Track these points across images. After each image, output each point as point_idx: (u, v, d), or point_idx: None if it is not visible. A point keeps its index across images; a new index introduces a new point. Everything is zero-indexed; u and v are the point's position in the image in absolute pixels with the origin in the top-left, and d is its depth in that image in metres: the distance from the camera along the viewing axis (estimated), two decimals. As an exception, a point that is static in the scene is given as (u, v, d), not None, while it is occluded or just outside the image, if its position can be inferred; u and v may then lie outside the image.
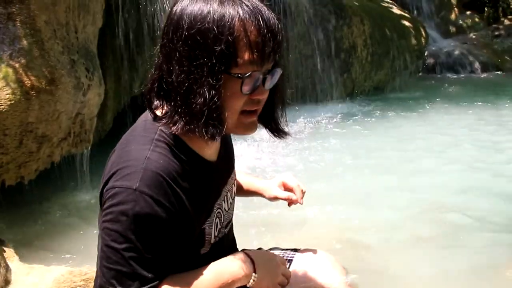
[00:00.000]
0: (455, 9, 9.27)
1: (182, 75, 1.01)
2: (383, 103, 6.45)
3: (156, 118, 1.09)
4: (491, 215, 3.09)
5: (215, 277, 1.09)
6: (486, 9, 9.35)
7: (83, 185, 3.51)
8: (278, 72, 1.08)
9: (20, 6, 2.81)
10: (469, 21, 9.21)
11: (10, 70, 2.71)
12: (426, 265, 2.50)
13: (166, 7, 4.25)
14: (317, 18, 6.10)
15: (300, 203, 1.49)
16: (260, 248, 1.42)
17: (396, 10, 7.22)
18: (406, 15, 7.28)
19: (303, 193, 1.49)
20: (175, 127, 1.04)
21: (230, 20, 0.98)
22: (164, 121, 1.06)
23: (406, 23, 7.12)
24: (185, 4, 1.04)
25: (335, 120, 5.52)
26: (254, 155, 4.18)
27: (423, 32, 7.29)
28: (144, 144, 1.07)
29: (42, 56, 2.90)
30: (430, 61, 8.35)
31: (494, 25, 9.10)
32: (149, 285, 1.03)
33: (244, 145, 4.24)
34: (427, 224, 2.98)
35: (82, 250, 2.75)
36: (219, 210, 1.22)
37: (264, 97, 1.08)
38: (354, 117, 5.64)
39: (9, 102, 2.68)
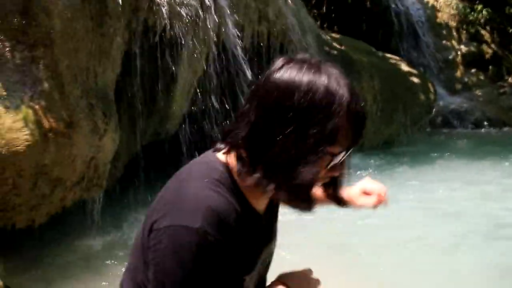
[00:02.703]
0: (460, 67, 9.45)
1: (288, 143, 1.00)
2: (393, 157, 6.45)
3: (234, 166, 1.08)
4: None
5: None
6: (490, 67, 9.53)
7: (93, 232, 3.44)
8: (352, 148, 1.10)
9: (44, 50, 2.87)
10: (474, 78, 9.35)
11: (30, 112, 2.72)
12: None
13: (184, 56, 4.32)
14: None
15: (385, 204, 1.46)
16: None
17: (404, 67, 7.35)
18: (415, 71, 7.40)
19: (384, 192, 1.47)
20: (263, 186, 1.04)
21: (339, 102, 1.00)
22: (249, 179, 1.05)
23: (415, 79, 7.22)
24: (293, 74, 1.03)
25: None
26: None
27: (431, 88, 7.38)
28: (207, 183, 1.05)
29: (62, 99, 2.92)
30: (438, 116, 8.42)
31: (499, 83, 9.24)
32: None
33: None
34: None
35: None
36: (261, 264, 1.20)
37: (337, 174, 1.10)
38: (366, 170, 5.61)
39: (26, 143, 2.67)
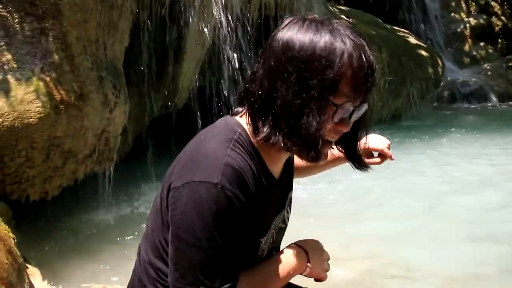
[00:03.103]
0: (469, 40, 9.33)
1: (290, 95, 1.03)
2: (399, 131, 6.43)
3: (250, 128, 1.11)
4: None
5: (279, 271, 1.15)
6: (499, 40, 9.40)
7: (105, 204, 3.45)
8: (365, 107, 1.10)
9: (53, 21, 2.82)
10: (482, 52, 9.24)
11: (41, 84, 2.69)
12: None
13: (192, 28, 4.27)
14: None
15: (392, 159, 1.47)
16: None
17: (412, 40, 7.27)
18: (423, 44, 7.32)
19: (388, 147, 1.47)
20: (272, 139, 1.06)
21: (340, 52, 1.02)
22: (261, 134, 1.08)
23: (423, 53, 7.15)
24: (295, 30, 1.06)
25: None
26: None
27: (439, 62, 7.31)
28: (225, 142, 1.07)
29: (72, 71, 2.89)
30: (446, 91, 8.36)
31: (508, 56, 9.13)
32: (231, 283, 1.02)
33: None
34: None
35: (102, 271, 2.68)
36: (273, 229, 1.22)
37: (347, 129, 1.09)
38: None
39: (38, 115, 2.65)
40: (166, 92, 4.47)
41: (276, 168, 1.17)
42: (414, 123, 6.96)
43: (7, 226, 2.30)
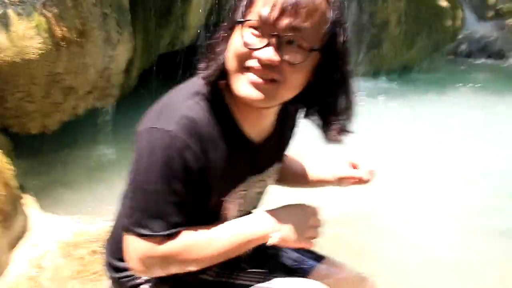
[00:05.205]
0: (496, -8, 8.95)
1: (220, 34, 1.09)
2: (408, 83, 6.31)
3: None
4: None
5: (232, 234, 1.09)
6: (527, -5, 9.00)
7: (106, 139, 3.53)
8: (307, 52, 1.01)
9: (56, -47, 2.77)
10: (508, 6, 8.87)
11: (42, 19, 2.69)
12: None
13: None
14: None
15: (367, 181, 1.43)
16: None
17: (435, -12, 6.98)
18: (445, -6, 7.03)
19: (371, 173, 1.43)
20: (203, 70, 1.10)
21: None
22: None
23: (444, 3, 6.87)
24: None
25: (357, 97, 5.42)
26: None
27: (459, 14, 7.05)
28: (191, 94, 1.09)
29: (75, 7, 2.87)
30: (463, 44, 8.11)
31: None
32: (172, 230, 1.05)
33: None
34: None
35: (101, 204, 2.78)
36: (244, 191, 1.19)
37: (267, 58, 1.00)
38: (377, 96, 5.53)
39: (39, 52, 2.67)
40: (173, 29, 4.43)
41: (255, 129, 1.15)
42: (425, 75, 6.83)
43: (6, 157, 2.39)
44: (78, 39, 2.86)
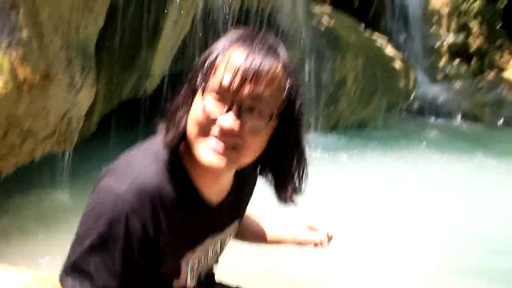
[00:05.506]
0: (445, 56, 9.52)
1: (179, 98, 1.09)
2: (364, 140, 6.50)
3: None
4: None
5: None
6: (473, 60, 9.63)
7: (61, 185, 3.42)
8: (268, 119, 1.02)
9: (25, -4, 2.75)
10: (456, 70, 9.45)
11: (6, 60, 2.63)
12: None
13: (169, 12, 4.22)
14: (313, 46, 6.17)
15: (327, 243, 1.45)
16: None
17: (389, 50, 7.36)
18: (399, 56, 7.43)
19: (329, 237, 1.46)
20: (165, 133, 1.09)
21: (223, 51, 1.03)
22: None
23: (397, 64, 7.25)
24: (223, 38, 1.07)
25: (314, 152, 5.54)
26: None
27: (412, 75, 7.44)
28: (149, 155, 1.08)
29: (41, 50, 2.84)
30: (415, 104, 8.52)
31: (479, 77, 9.35)
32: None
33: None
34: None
35: (53, 252, 2.65)
36: (202, 253, 1.18)
37: (228, 127, 1.00)
38: (334, 152, 5.66)
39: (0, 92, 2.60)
40: (137, 76, 4.43)
41: (213, 191, 1.13)
42: (380, 133, 7.07)
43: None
44: (41, 82, 2.81)
